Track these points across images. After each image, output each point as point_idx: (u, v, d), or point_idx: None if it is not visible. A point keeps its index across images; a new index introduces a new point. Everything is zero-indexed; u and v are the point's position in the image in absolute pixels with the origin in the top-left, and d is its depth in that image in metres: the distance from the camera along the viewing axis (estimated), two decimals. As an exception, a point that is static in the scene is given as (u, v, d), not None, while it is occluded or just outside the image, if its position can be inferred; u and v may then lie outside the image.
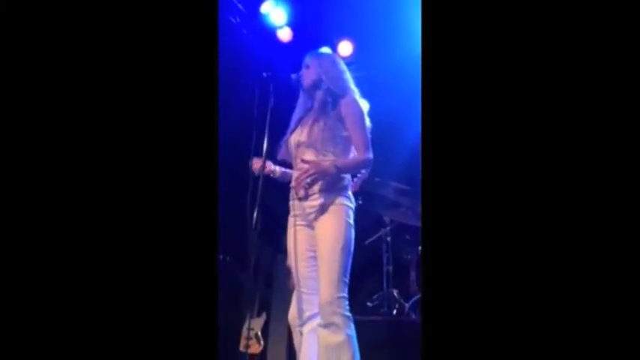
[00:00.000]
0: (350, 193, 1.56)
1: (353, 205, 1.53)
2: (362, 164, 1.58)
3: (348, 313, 1.40)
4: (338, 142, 1.54)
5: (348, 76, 1.66)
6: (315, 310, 1.47)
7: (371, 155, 1.54)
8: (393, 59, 3.03)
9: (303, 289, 1.51)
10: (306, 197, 1.52)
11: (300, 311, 1.51)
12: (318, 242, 1.46)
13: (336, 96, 1.57)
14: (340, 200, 1.49)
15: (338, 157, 1.53)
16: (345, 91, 1.59)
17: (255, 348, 2.62)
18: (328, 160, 1.49)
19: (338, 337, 1.36)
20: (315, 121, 1.55)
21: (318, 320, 1.45)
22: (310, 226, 1.52)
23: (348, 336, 1.38)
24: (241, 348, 2.53)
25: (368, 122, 1.59)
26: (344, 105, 1.54)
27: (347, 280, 1.42)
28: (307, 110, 1.67)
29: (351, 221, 1.49)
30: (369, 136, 1.57)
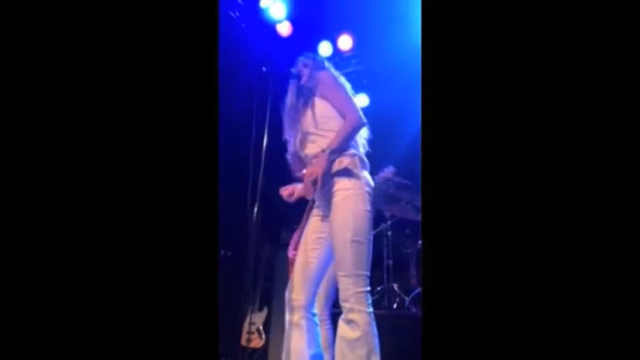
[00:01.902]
0: (364, 173, 1.41)
1: (366, 187, 1.38)
2: (352, 127, 1.43)
3: (370, 310, 1.32)
4: (333, 121, 1.46)
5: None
6: (303, 301, 1.42)
7: (359, 114, 1.43)
8: (393, 53, 3.02)
9: (295, 276, 1.46)
10: (316, 185, 1.42)
11: (289, 299, 1.46)
12: (332, 234, 1.36)
13: (312, 79, 1.51)
14: (347, 184, 1.37)
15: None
16: (317, 74, 1.52)
17: (257, 342, 2.64)
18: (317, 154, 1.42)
19: (355, 333, 1.31)
20: (304, 111, 1.50)
21: (303, 313, 1.42)
22: (327, 214, 1.42)
23: (367, 333, 1.30)
24: (243, 342, 2.54)
25: (346, 83, 1.51)
26: (319, 83, 1.48)
27: (366, 273, 1.32)
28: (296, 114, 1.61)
29: (365, 206, 1.35)
30: (353, 98, 1.48)
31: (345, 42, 3.26)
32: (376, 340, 1.33)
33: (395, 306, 2.69)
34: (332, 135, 1.41)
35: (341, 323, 1.36)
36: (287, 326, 1.48)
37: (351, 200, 1.35)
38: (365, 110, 1.63)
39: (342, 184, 1.37)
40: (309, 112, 1.48)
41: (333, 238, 1.36)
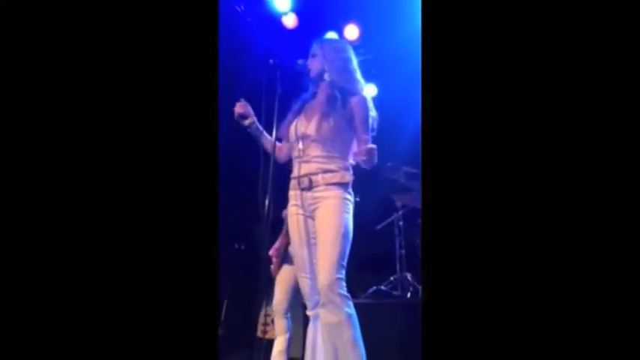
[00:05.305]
0: (351, 190, 1.61)
1: (353, 200, 1.59)
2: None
3: (346, 293, 1.46)
4: (343, 139, 1.57)
5: (354, 65, 1.64)
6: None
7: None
8: (401, 41, 2.98)
9: (308, 275, 1.56)
10: (310, 188, 1.54)
11: (310, 295, 1.55)
12: (320, 230, 1.51)
13: (344, 92, 1.57)
14: (342, 194, 1.54)
15: (341, 153, 1.57)
16: (352, 85, 1.59)
17: (273, 333, 2.67)
18: (336, 157, 1.55)
19: (337, 316, 1.41)
20: (324, 116, 1.55)
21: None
22: (311, 215, 1.57)
23: (348, 314, 1.42)
24: (259, 334, 2.58)
25: (374, 112, 1.60)
26: (354, 104, 1.56)
27: (344, 264, 1.48)
28: (312, 97, 1.66)
29: (350, 214, 1.55)
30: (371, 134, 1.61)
31: (352, 32, 3.23)
32: (355, 320, 1.44)
33: (409, 295, 2.69)
34: (336, 155, 1.57)
35: (321, 312, 1.45)
36: (313, 324, 1.54)
37: (344, 204, 1.54)
38: (373, 99, 1.62)
39: (338, 192, 1.54)
40: (331, 125, 1.54)
41: (325, 232, 1.49)
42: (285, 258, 2.38)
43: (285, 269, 2.37)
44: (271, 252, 2.39)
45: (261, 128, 1.68)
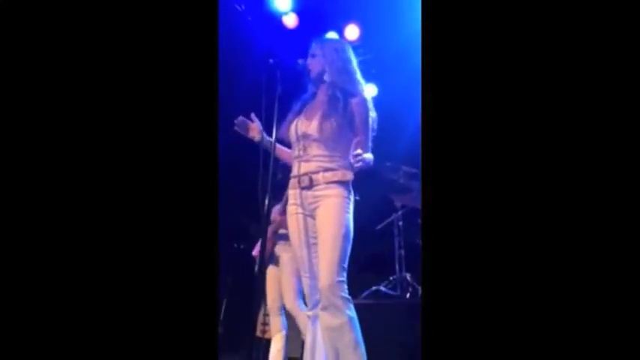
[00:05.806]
0: (351, 188, 1.61)
1: (352, 199, 1.59)
2: (370, 163, 1.61)
3: (348, 296, 1.45)
4: (344, 139, 1.57)
5: (354, 65, 1.64)
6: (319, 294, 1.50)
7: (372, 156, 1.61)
8: (401, 41, 2.99)
9: (307, 275, 1.55)
10: (310, 187, 1.54)
11: (310, 295, 1.55)
12: (320, 229, 1.51)
13: (345, 93, 1.57)
14: (343, 193, 1.54)
15: (342, 153, 1.56)
16: (352, 86, 1.59)
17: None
18: (337, 156, 1.55)
19: (339, 319, 1.41)
20: (326, 116, 1.55)
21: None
22: (311, 215, 1.56)
23: (349, 317, 1.42)
24: (258, 333, 2.58)
25: (373, 113, 1.60)
26: (354, 105, 1.56)
27: (345, 266, 1.48)
28: (312, 97, 1.67)
29: (351, 214, 1.55)
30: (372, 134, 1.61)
31: (352, 32, 3.24)
32: (356, 323, 1.43)
33: (408, 295, 2.69)
34: (336, 154, 1.56)
35: (322, 315, 1.44)
36: (312, 324, 1.52)
37: (345, 203, 1.53)
38: (373, 99, 1.62)
39: (339, 191, 1.53)
40: (332, 125, 1.53)
41: (326, 232, 1.48)
42: (271, 259, 2.40)
43: (273, 268, 2.40)
44: (255, 252, 2.43)
45: (268, 138, 1.67)
